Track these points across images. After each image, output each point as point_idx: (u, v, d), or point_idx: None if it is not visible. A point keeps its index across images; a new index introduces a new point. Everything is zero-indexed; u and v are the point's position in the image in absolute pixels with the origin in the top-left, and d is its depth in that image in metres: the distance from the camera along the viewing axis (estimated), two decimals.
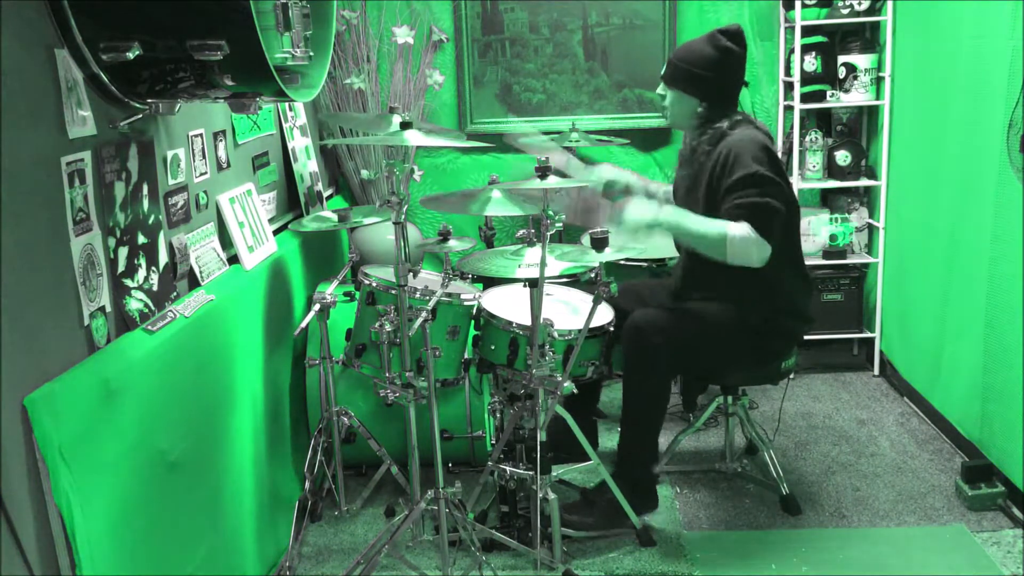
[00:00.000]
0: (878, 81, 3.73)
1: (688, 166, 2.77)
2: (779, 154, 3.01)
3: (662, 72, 2.79)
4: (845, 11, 3.70)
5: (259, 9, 1.69)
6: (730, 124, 2.67)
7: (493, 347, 2.66)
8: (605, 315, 2.74)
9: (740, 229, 2.49)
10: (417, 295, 2.54)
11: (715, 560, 2.61)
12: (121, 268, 1.86)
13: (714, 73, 2.67)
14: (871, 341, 3.93)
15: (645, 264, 3.39)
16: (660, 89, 2.80)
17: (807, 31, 3.73)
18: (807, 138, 3.83)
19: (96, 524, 1.61)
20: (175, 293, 2.13)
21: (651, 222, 2.54)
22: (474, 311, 2.72)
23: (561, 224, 2.37)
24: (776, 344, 2.78)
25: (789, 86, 3.83)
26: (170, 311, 2.01)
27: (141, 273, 1.95)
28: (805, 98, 3.76)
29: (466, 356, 2.77)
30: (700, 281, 2.76)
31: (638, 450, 2.73)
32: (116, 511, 1.69)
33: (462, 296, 2.66)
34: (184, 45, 1.69)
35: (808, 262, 3.68)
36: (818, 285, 3.87)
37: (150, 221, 2.01)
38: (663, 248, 3.26)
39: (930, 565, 2.54)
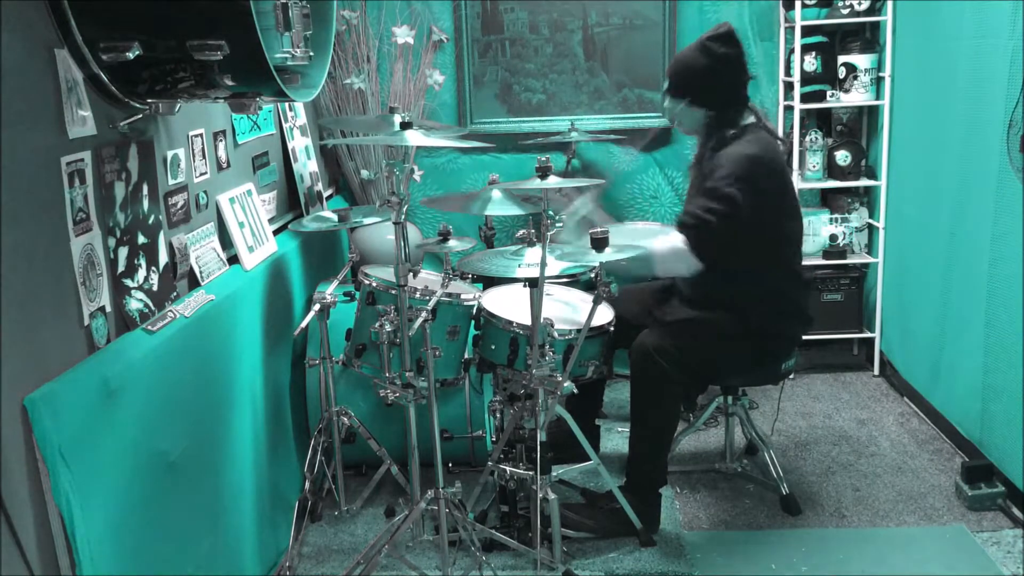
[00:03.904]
0: (878, 81, 3.73)
1: (695, 171, 2.76)
2: (783, 156, 2.92)
3: (665, 87, 2.77)
4: (845, 11, 3.70)
5: (259, 9, 1.69)
6: (738, 131, 2.64)
7: (493, 347, 2.66)
8: (605, 315, 2.74)
9: (669, 242, 2.58)
10: (417, 295, 2.54)
11: (715, 560, 2.61)
12: (121, 268, 1.86)
13: (714, 81, 2.65)
14: (871, 341, 3.93)
15: None
16: (667, 103, 2.78)
17: (807, 31, 3.72)
18: (807, 138, 3.83)
19: (96, 524, 1.61)
20: (175, 293, 2.12)
21: (585, 215, 2.69)
22: (474, 311, 2.72)
23: (561, 224, 2.37)
24: (778, 346, 2.78)
25: (789, 86, 3.83)
26: (170, 311, 2.01)
27: (141, 273, 1.95)
28: (805, 98, 3.76)
29: (466, 356, 2.77)
30: (700, 287, 2.73)
31: (648, 468, 2.73)
32: (116, 511, 1.69)
33: (462, 296, 2.66)
34: (184, 45, 1.69)
35: (808, 262, 3.71)
36: (818, 285, 3.87)
37: (150, 221, 2.01)
38: None
39: (930, 565, 2.54)
